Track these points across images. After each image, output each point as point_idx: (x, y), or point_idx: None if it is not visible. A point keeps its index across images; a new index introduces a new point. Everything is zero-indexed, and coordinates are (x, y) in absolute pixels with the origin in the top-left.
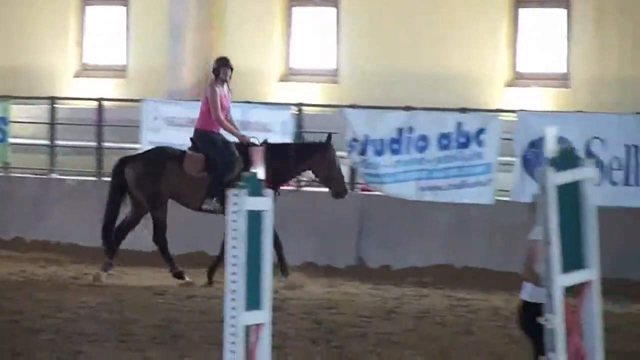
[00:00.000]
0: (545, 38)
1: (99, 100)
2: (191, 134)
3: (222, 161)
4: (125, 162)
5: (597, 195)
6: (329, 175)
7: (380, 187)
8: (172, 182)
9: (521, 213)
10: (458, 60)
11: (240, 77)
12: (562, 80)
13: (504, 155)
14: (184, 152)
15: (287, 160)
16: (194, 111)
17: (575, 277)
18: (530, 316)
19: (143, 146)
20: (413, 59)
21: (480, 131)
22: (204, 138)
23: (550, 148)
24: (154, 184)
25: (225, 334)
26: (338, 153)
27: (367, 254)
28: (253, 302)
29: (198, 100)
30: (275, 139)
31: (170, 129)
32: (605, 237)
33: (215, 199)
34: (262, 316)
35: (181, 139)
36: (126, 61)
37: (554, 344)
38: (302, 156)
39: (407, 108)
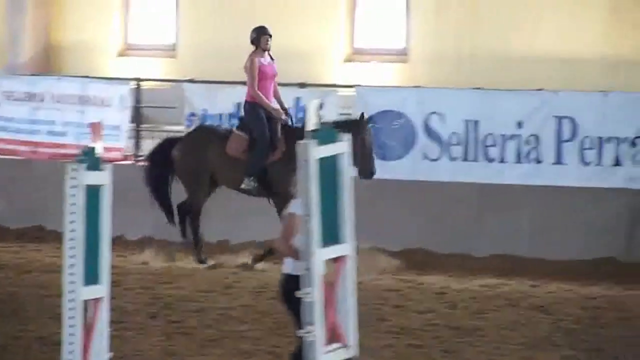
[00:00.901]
0: (384, 13)
1: None
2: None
3: (264, 141)
4: (172, 144)
5: (436, 171)
6: (361, 156)
7: None
8: (213, 164)
9: (361, 186)
10: (296, 35)
11: (78, 51)
12: (400, 55)
13: None
14: (230, 131)
15: None
16: (32, 86)
17: (333, 251)
18: (292, 290)
19: None
20: None
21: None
22: (252, 112)
23: (313, 121)
24: (197, 170)
25: (64, 308)
26: (175, 128)
27: (206, 229)
28: (91, 276)
29: (37, 75)
30: (113, 114)
31: (8, 103)
32: (446, 213)
33: (252, 178)
34: (101, 291)
35: (19, 114)
36: None
37: (312, 317)
38: None
39: (245, 83)
